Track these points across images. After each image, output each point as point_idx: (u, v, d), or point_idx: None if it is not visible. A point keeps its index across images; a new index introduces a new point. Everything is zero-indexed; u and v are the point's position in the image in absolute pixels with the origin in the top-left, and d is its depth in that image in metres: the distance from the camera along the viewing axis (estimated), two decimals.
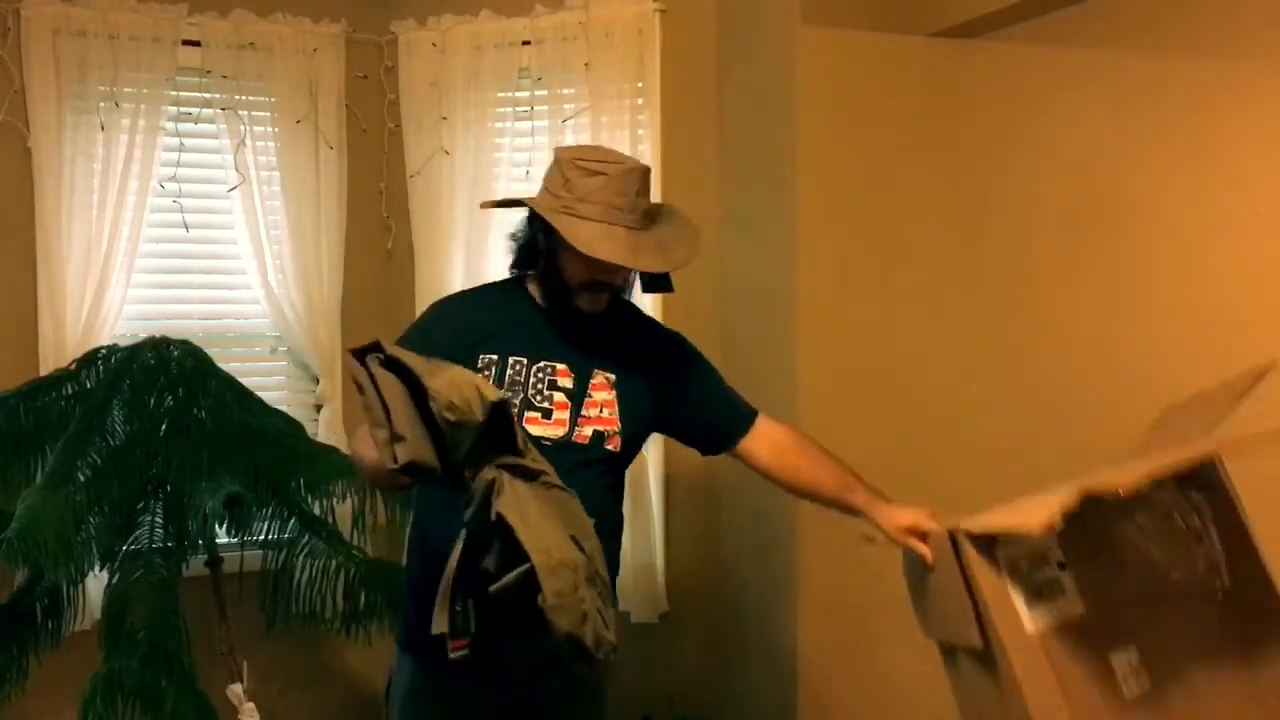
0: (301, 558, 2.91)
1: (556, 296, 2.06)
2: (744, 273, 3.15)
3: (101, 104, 3.03)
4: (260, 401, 2.95)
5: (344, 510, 2.98)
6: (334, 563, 2.91)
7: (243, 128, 3.19)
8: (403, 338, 2.05)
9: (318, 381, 3.30)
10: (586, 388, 2.05)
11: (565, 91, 3.26)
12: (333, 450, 2.97)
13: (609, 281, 2.04)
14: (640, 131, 3.20)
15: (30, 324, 3.02)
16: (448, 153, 3.28)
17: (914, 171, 2.96)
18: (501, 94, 3.29)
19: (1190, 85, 3.25)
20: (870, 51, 2.89)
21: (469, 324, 2.08)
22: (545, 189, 2.04)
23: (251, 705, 2.75)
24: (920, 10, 2.90)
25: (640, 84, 3.20)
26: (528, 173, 3.22)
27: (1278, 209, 3.39)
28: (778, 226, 2.96)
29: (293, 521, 2.93)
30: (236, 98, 3.18)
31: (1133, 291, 3.22)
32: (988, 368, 3.06)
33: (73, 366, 2.87)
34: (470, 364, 1.98)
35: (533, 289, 2.12)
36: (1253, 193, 3.35)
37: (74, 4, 3.02)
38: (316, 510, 2.96)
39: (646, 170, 2.02)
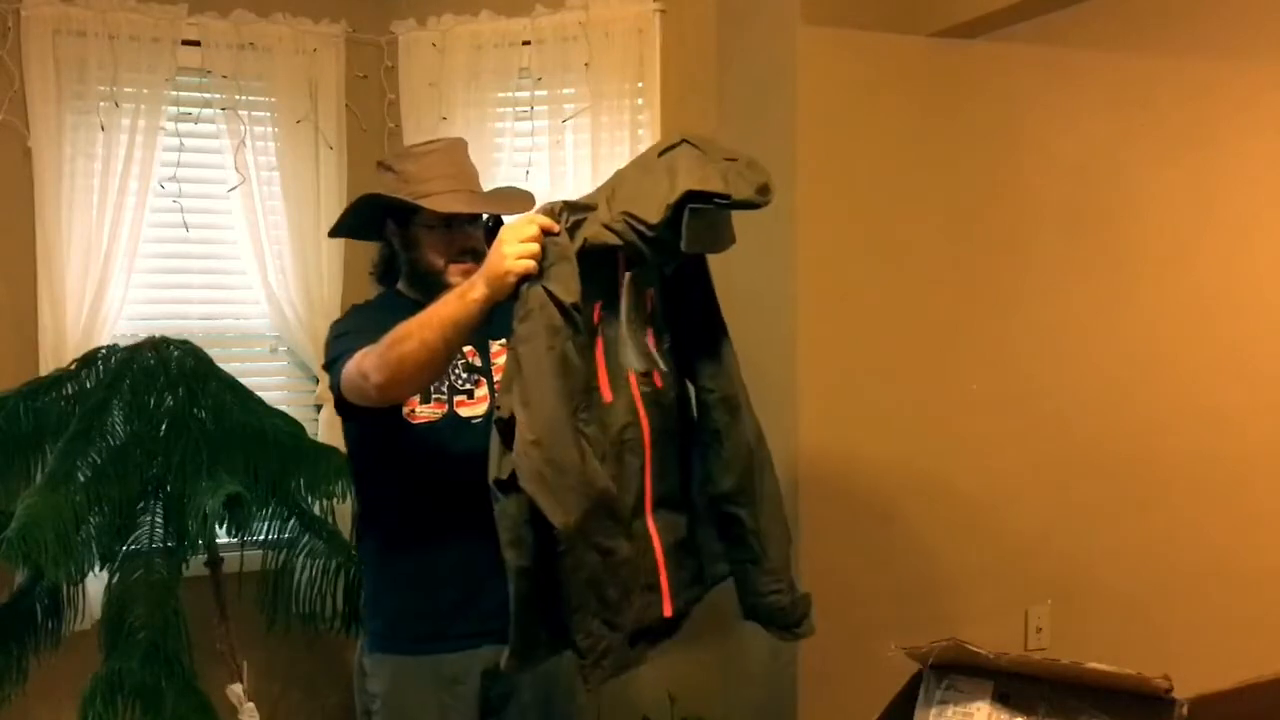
0: (301, 558, 2.92)
1: (430, 286, 2.11)
2: (743, 273, 3.14)
3: (101, 104, 3.03)
4: (260, 401, 2.95)
5: (344, 510, 2.98)
6: (334, 563, 2.91)
7: (243, 128, 3.18)
8: (347, 331, 2.10)
9: (318, 381, 3.29)
10: (489, 359, 2.16)
11: (565, 91, 3.26)
12: (333, 450, 2.97)
13: (472, 248, 2.13)
14: (640, 131, 3.20)
15: (30, 324, 3.01)
16: None
17: (914, 171, 2.96)
18: (501, 94, 3.29)
19: (1188, 85, 3.26)
20: (870, 51, 2.90)
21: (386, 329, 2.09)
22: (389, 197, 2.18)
23: (251, 705, 2.75)
24: (920, 10, 2.91)
25: (640, 84, 3.20)
26: (527, 173, 3.21)
27: (1276, 207, 3.40)
28: (777, 226, 2.95)
29: (293, 521, 2.93)
30: (236, 98, 3.18)
31: (1132, 289, 3.23)
32: (988, 367, 3.06)
33: (73, 366, 2.87)
34: None
35: (406, 291, 2.20)
36: (1251, 192, 3.37)
37: (74, 4, 3.01)
38: (316, 510, 2.96)
39: (465, 143, 2.32)
